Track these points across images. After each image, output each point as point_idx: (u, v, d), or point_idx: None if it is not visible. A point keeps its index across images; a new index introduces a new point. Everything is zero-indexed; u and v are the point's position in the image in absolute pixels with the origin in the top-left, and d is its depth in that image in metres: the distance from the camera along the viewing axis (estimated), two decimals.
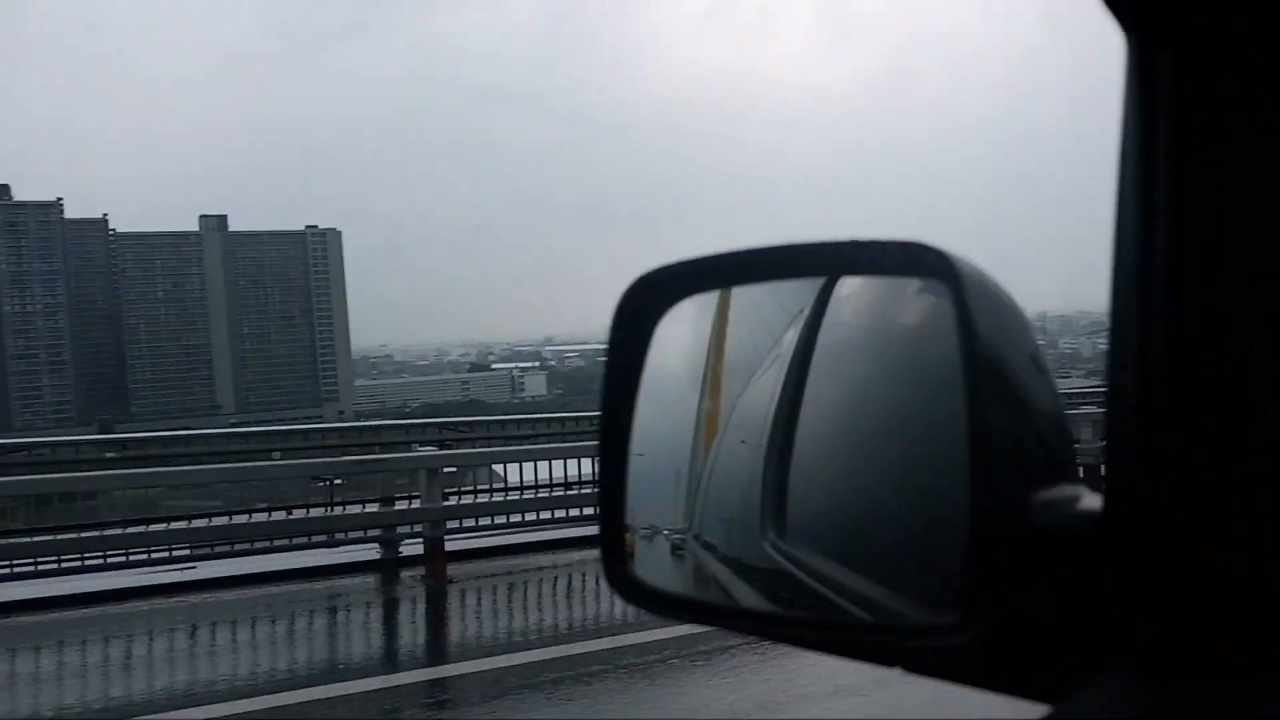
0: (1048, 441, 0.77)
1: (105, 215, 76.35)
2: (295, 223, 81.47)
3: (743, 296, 1.05)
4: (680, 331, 1.04)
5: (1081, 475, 0.78)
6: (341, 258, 79.50)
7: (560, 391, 77.78)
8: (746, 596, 0.99)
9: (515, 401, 75.33)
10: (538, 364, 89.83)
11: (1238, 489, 0.71)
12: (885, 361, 0.92)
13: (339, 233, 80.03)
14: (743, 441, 1.03)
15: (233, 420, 61.20)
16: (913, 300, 0.86)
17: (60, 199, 73.95)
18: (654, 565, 1.06)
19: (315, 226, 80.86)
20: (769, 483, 1.00)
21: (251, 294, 79.22)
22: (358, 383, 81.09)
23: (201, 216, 78.07)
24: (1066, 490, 0.76)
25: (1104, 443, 0.75)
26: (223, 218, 78.30)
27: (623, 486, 1.02)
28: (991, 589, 0.74)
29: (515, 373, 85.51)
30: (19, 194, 73.78)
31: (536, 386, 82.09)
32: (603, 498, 1.02)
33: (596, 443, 1.04)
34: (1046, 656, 0.78)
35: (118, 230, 75.64)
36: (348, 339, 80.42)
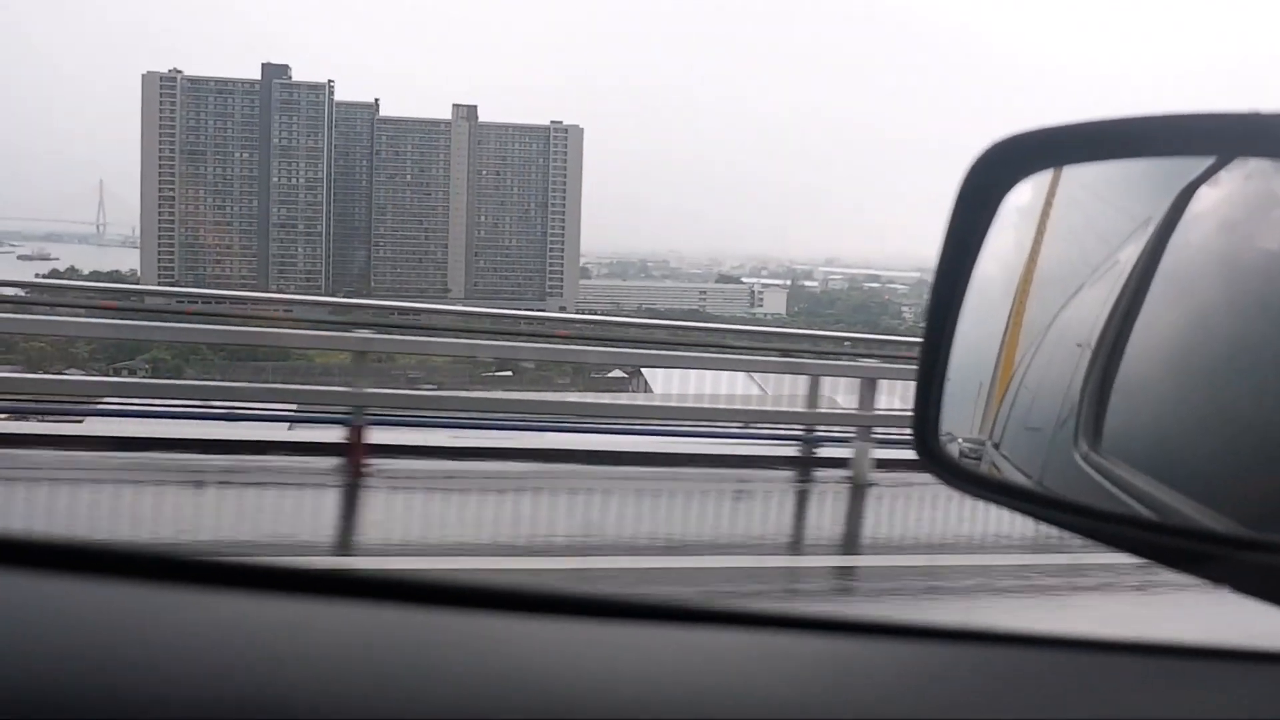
0: None
1: (376, 100, 79.74)
2: (553, 118, 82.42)
3: (1071, 199, 1.01)
4: (998, 233, 1.02)
5: None
6: (581, 155, 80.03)
7: (798, 311, 75.91)
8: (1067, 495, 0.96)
9: (747, 316, 74.23)
10: (789, 282, 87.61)
11: None
12: (1240, 290, 0.87)
13: (580, 130, 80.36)
14: (1062, 353, 1.00)
15: (459, 305, 63.42)
16: (1277, 224, 0.82)
17: (331, 81, 77.63)
18: None
19: (559, 122, 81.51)
20: (1088, 397, 0.96)
21: (492, 184, 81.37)
22: (583, 282, 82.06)
23: (454, 105, 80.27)
24: None
25: None
26: (473, 108, 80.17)
27: (944, 363, 1.02)
28: None
29: (756, 288, 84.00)
30: (300, 77, 78.22)
31: (774, 304, 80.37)
32: (922, 371, 1.04)
33: (925, 318, 1.04)
34: None
35: (387, 116, 79.17)
36: (578, 237, 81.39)
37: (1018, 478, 1.02)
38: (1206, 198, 0.89)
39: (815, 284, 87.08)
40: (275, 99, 75.30)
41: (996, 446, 1.05)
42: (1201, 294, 0.90)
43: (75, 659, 0.66)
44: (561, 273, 79.23)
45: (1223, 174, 0.87)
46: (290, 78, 76.03)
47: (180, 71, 74.88)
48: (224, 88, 75.15)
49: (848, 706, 0.72)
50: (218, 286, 64.48)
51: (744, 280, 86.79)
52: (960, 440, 1.06)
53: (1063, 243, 1.02)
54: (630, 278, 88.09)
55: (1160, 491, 0.86)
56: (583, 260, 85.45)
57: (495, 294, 75.16)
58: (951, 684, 0.79)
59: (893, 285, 79.28)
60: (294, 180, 74.62)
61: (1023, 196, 1.01)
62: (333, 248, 74.95)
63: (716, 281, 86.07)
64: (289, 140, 74.62)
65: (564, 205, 79.28)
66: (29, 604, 0.70)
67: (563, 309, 68.44)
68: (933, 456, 1.06)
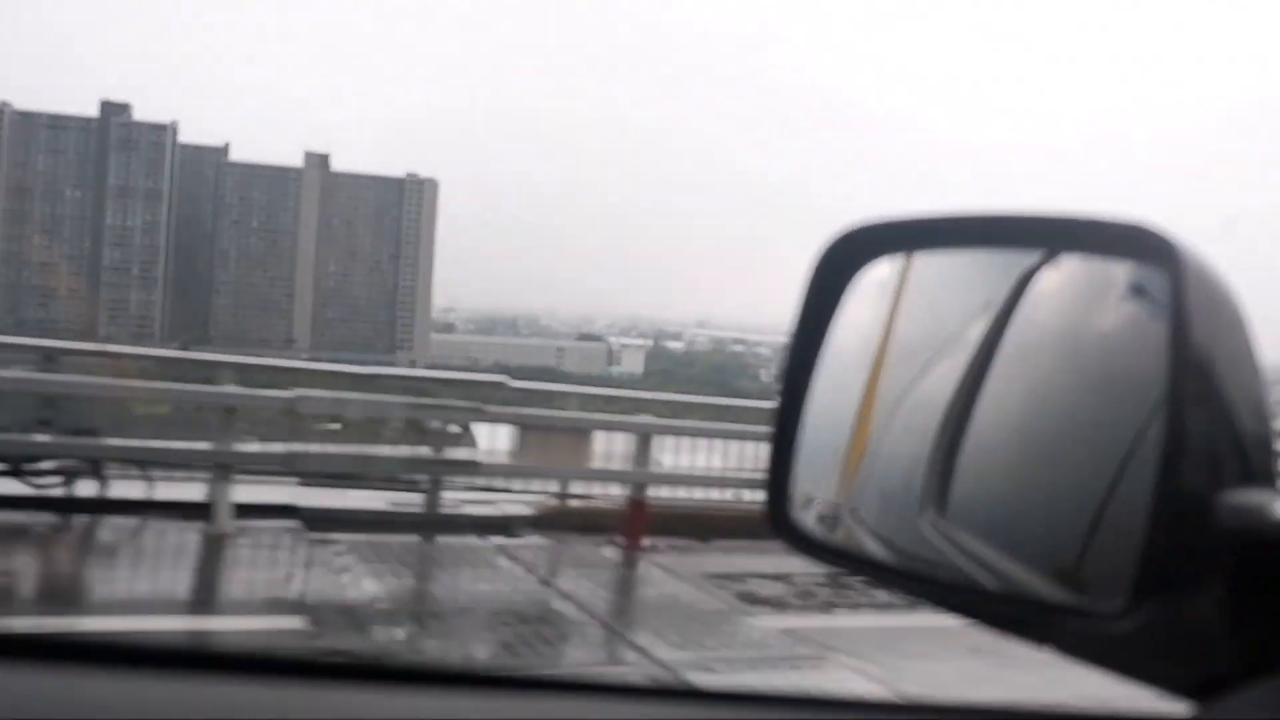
0: (1245, 445, 0.77)
1: (226, 144, 77.28)
2: (414, 170, 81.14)
3: (924, 279, 1.06)
4: (856, 308, 1.07)
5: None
6: (435, 209, 79.42)
7: (654, 372, 76.43)
8: (901, 563, 1.01)
9: (602, 375, 74.39)
10: (650, 342, 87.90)
11: None
12: (1076, 368, 0.92)
13: (436, 183, 79.84)
14: (913, 424, 1.04)
15: (304, 356, 61.58)
16: (1113, 308, 0.88)
17: (175, 122, 74.94)
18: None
19: (415, 174, 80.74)
20: (935, 465, 1.00)
21: (343, 234, 79.74)
22: (444, 336, 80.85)
23: (306, 153, 78.71)
24: (1257, 495, 0.76)
25: None
26: (325, 156, 78.76)
27: (795, 434, 1.06)
28: (1161, 581, 0.75)
29: (615, 347, 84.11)
30: (147, 117, 75.34)
31: (633, 363, 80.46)
32: (775, 442, 1.07)
33: (777, 389, 1.08)
34: (1203, 656, 0.78)
35: (234, 160, 76.81)
36: (429, 291, 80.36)
37: (869, 545, 1.06)
38: (1047, 280, 0.95)
39: (681, 345, 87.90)
40: (114, 138, 72.18)
41: (853, 512, 1.08)
42: (1043, 370, 0.97)
43: None
44: (413, 326, 77.98)
45: (1062, 259, 0.94)
46: (131, 117, 73.10)
47: (9, 104, 70.98)
48: (57, 123, 71.63)
49: None
50: (40, 332, 60.61)
51: (604, 339, 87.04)
52: (819, 502, 1.10)
53: (916, 318, 1.08)
54: (499, 334, 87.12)
55: (996, 558, 0.91)
56: (451, 315, 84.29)
57: (343, 346, 73.26)
58: None
59: (758, 349, 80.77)
60: (130, 222, 71.36)
61: (881, 271, 1.07)
62: (170, 294, 71.81)
63: (578, 339, 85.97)
64: (126, 181, 71.46)
65: (416, 258, 78.28)
66: None
67: (412, 362, 67.22)
68: (782, 524, 1.09)
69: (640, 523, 9.46)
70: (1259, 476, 0.77)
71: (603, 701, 0.84)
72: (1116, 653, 0.80)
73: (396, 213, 78.31)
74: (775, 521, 1.09)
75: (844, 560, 1.08)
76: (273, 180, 75.93)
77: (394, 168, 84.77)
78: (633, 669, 6.29)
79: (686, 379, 64.75)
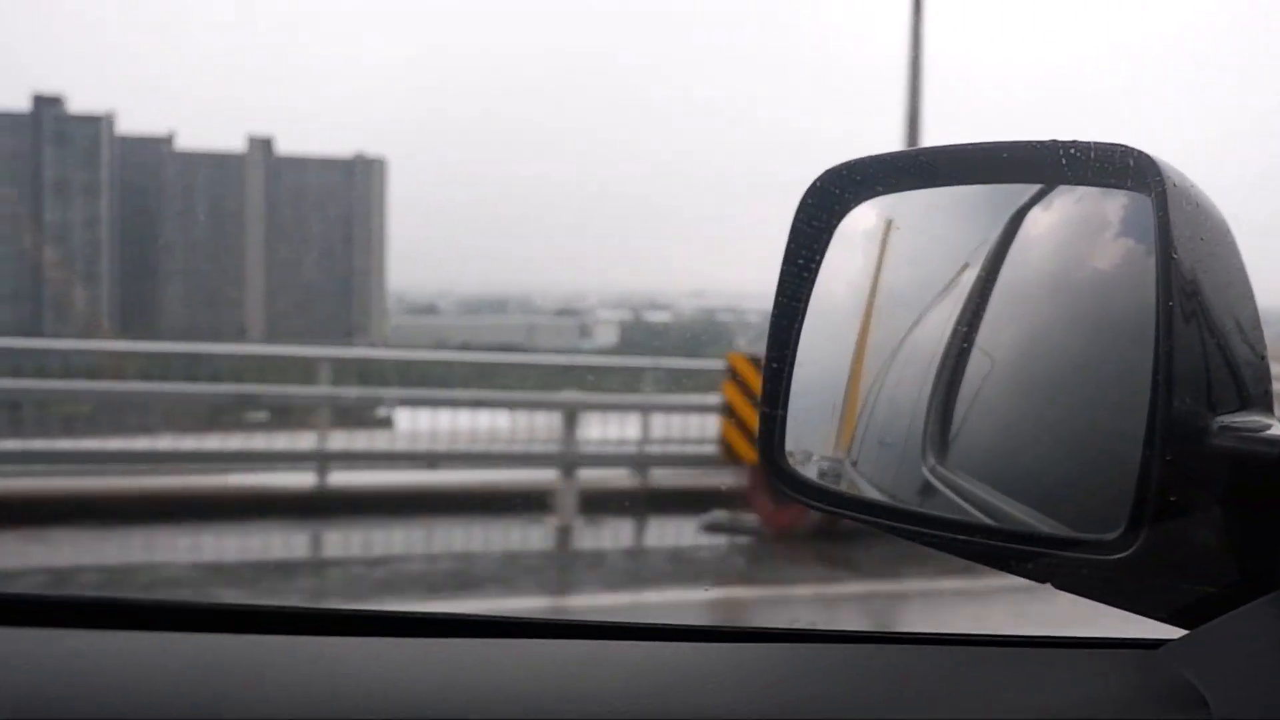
0: (1237, 366, 0.76)
1: (172, 134, 75.26)
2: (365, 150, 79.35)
3: (912, 220, 1.04)
4: (844, 253, 1.04)
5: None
6: (384, 188, 78.36)
7: (629, 343, 75.31)
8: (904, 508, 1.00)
9: (571, 348, 73.31)
10: (630, 314, 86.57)
11: None
12: (1070, 310, 0.92)
13: (384, 162, 78.62)
14: (909, 371, 1.03)
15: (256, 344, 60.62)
16: (1107, 245, 0.87)
17: (111, 113, 73.09)
18: None
19: (364, 154, 79.40)
20: (934, 412, 1.00)
21: (290, 219, 78.49)
22: (410, 318, 79.86)
23: (249, 137, 77.18)
24: (1252, 418, 0.75)
25: None
26: (269, 140, 77.30)
27: (787, 384, 1.05)
28: (1156, 509, 0.74)
29: (588, 321, 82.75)
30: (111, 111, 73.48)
31: (607, 336, 79.00)
32: (767, 384, 1.06)
33: (767, 342, 1.06)
34: (1196, 582, 0.78)
35: (173, 149, 74.96)
36: (384, 272, 79.34)
37: (870, 493, 1.06)
38: (1040, 221, 0.95)
39: (665, 315, 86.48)
40: (47, 132, 70.53)
41: (854, 464, 1.08)
42: (1037, 312, 0.97)
43: None
44: (369, 309, 77.16)
45: (1055, 198, 0.93)
46: (65, 109, 71.40)
47: None
48: None
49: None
50: None
51: (579, 313, 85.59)
52: (818, 458, 1.09)
53: (907, 264, 1.07)
54: (486, 314, 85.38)
55: (997, 499, 0.92)
56: (441, 299, 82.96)
57: (298, 332, 72.31)
58: (814, 683, 0.80)
59: (747, 316, 79.42)
60: (69, 218, 69.97)
61: (868, 220, 1.05)
62: (116, 288, 70.61)
63: (554, 315, 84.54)
64: (62, 175, 69.96)
65: (369, 240, 77.33)
66: None
67: (371, 346, 66.45)
68: (781, 475, 1.08)
69: None
70: (1252, 399, 0.76)
71: (598, 643, 0.84)
72: (1113, 583, 0.80)
73: (346, 194, 77.17)
74: (773, 471, 1.08)
75: (847, 507, 1.07)
76: (215, 166, 74.52)
77: (368, 153, 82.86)
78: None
79: (655, 349, 64.22)
